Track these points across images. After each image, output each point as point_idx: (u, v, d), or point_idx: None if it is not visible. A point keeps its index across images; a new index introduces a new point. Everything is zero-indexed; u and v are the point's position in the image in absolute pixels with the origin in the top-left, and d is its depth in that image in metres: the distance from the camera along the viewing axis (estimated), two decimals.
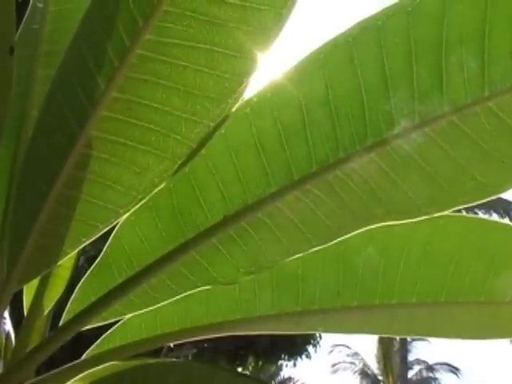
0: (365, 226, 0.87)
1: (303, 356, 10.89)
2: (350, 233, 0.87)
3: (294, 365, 11.33)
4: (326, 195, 0.84)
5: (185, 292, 0.88)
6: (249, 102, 0.84)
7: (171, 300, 0.88)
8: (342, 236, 0.87)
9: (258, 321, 0.96)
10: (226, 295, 0.94)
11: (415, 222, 0.89)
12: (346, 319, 0.99)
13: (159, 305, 0.88)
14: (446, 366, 18.71)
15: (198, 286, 0.88)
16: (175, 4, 0.76)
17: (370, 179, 0.83)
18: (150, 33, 0.77)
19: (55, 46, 0.96)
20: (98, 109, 0.79)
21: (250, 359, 10.56)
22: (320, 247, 0.88)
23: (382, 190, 0.84)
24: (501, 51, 0.80)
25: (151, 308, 0.89)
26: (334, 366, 18.97)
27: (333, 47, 0.83)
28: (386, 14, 0.82)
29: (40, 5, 0.98)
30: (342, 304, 0.97)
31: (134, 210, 0.83)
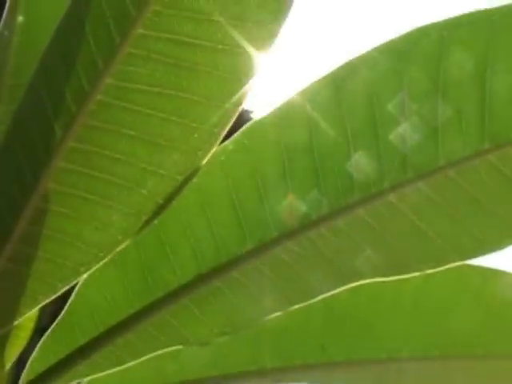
0: (350, 283, 0.76)
1: None
2: (334, 290, 0.77)
3: None
4: (307, 252, 0.73)
5: (154, 352, 0.77)
6: (224, 149, 0.72)
7: (140, 360, 0.78)
8: (325, 293, 0.76)
9: (236, 377, 0.86)
10: (202, 350, 0.84)
11: None
12: (331, 375, 0.88)
13: (126, 366, 0.78)
14: None
15: (169, 346, 0.77)
16: (139, 45, 0.65)
17: (357, 236, 0.72)
18: (112, 77, 0.65)
19: (20, 80, 0.85)
20: (54, 159, 0.68)
21: None
22: (301, 305, 0.77)
23: (370, 246, 0.73)
24: (503, 98, 0.68)
25: (118, 368, 0.79)
26: None
27: (318, 89, 0.72)
28: (377, 54, 0.71)
29: (6, 33, 0.87)
30: (327, 359, 0.87)
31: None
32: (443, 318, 0.89)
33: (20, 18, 0.84)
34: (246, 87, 0.64)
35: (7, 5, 0.88)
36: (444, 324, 0.89)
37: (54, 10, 0.84)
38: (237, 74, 0.64)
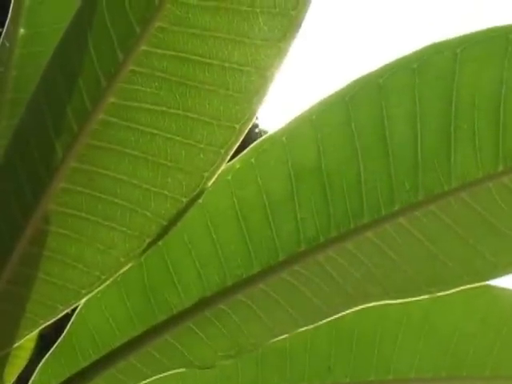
0: (359, 305, 0.73)
1: None
2: (342, 312, 0.73)
3: None
4: (316, 276, 0.69)
5: (157, 375, 0.74)
6: (230, 168, 0.69)
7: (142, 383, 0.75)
8: (333, 316, 0.73)
9: None
10: (205, 371, 0.80)
11: None
12: None
13: None
14: None
15: (173, 369, 0.74)
16: (143, 63, 0.62)
17: (366, 258, 0.69)
18: (115, 95, 0.62)
19: (21, 94, 0.82)
20: (55, 179, 0.65)
21: None
22: (308, 327, 0.74)
23: (380, 269, 0.70)
24: None
25: None
26: None
27: (327, 107, 0.69)
28: (389, 71, 0.68)
29: (7, 44, 0.84)
30: (333, 380, 0.83)
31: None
32: (451, 338, 0.86)
33: (22, 31, 0.81)
34: (255, 107, 0.61)
35: (9, 16, 0.85)
36: (452, 344, 0.86)
37: (57, 23, 0.81)
38: (245, 94, 0.61)
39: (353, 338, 0.83)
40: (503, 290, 0.89)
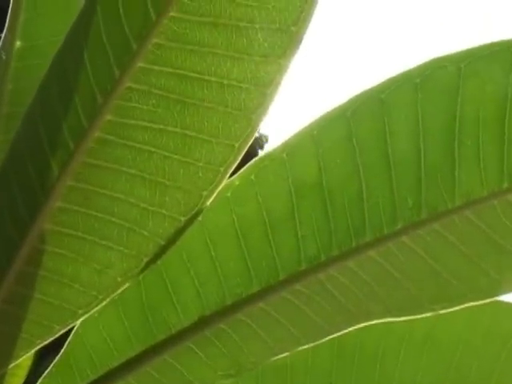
0: (361, 323, 0.71)
1: None
2: (344, 330, 0.72)
3: None
4: (317, 294, 0.68)
5: None
6: (230, 184, 0.67)
7: None
8: (335, 333, 0.72)
9: None
10: None
11: None
12: None
13: None
14: None
15: None
16: (140, 80, 0.60)
17: (369, 277, 0.67)
18: (111, 113, 0.61)
19: (17, 108, 0.80)
20: (51, 198, 0.63)
21: None
22: (310, 345, 0.72)
23: (382, 287, 0.68)
24: None
25: None
26: None
27: (328, 122, 0.67)
28: (391, 86, 0.66)
29: (3, 57, 0.82)
30: None
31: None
32: (455, 352, 0.84)
33: (18, 43, 0.80)
34: (255, 124, 0.60)
35: (5, 28, 0.83)
36: (456, 358, 0.85)
37: (54, 36, 0.80)
38: (244, 111, 0.60)
39: (355, 354, 0.82)
40: (507, 303, 0.87)
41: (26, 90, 0.80)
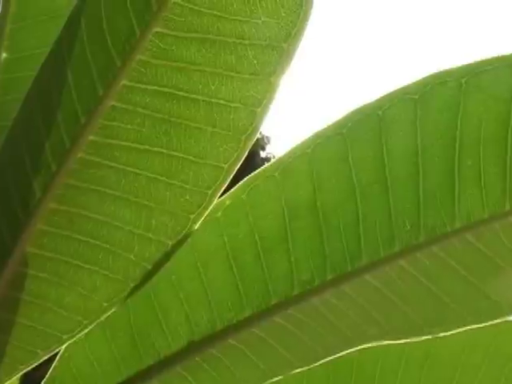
0: (356, 347, 0.68)
1: None
2: (339, 353, 0.69)
3: None
4: (311, 319, 0.64)
5: None
6: (220, 204, 0.64)
7: None
8: (329, 357, 0.68)
9: None
10: None
11: None
12: None
13: None
14: None
15: None
16: (124, 98, 0.57)
17: (365, 301, 0.64)
18: (95, 133, 0.57)
19: (3, 122, 0.76)
20: (33, 221, 0.60)
21: None
22: (304, 368, 0.69)
23: (379, 311, 0.65)
24: None
25: None
26: None
27: (323, 140, 0.63)
28: (389, 102, 0.62)
29: None
30: None
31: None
32: (455, 370, 0.81)
33: (4, 55, 0.76)
34: (244, 145, 0.56)
35: None
36: (456, 377, 0.81)
37: (40, 47, 0.76)
38: (233, 131, 0.56)
39: (351, 375, 0.78)
40: (507, 322, 0.84)
41: (12, 103, 0.76)
